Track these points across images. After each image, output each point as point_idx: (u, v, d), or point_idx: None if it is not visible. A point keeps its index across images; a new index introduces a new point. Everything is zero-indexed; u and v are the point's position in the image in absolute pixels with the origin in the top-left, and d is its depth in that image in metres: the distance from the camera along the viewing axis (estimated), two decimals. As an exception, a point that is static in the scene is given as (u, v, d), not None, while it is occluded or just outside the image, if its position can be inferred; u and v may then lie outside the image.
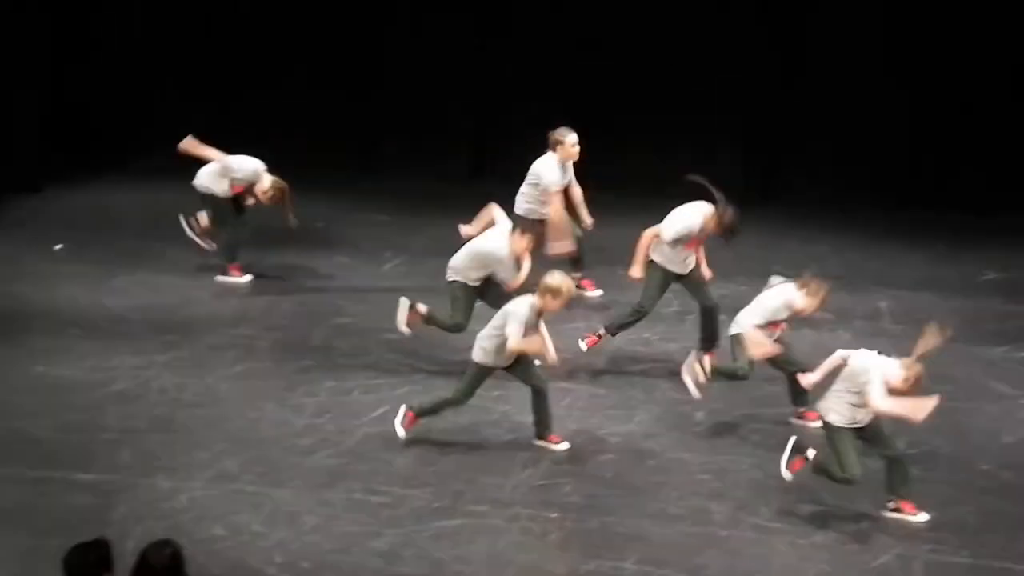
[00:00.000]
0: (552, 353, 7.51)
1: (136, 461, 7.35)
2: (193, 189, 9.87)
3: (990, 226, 11.31)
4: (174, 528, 6.41)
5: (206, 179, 9.81)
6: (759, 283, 10.14)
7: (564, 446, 7.48)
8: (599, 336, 8.62)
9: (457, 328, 8.42)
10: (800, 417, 7.73)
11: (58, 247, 10.79)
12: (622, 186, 12.28)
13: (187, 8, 13.27)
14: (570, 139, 9.32)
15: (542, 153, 12.64)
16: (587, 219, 9.60)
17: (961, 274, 10.41)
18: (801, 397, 7.67)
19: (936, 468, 7.36)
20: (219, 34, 13.30)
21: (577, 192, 9.65)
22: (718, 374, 7.77)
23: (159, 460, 7.36)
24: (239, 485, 7.12)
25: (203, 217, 9.96)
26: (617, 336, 8.88)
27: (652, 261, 8.46)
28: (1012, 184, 11.74)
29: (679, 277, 8.58)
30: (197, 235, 9.98)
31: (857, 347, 8.67)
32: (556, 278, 7.31)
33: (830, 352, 8.69)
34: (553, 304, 7.30)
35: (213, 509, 6.86)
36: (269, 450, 7.51)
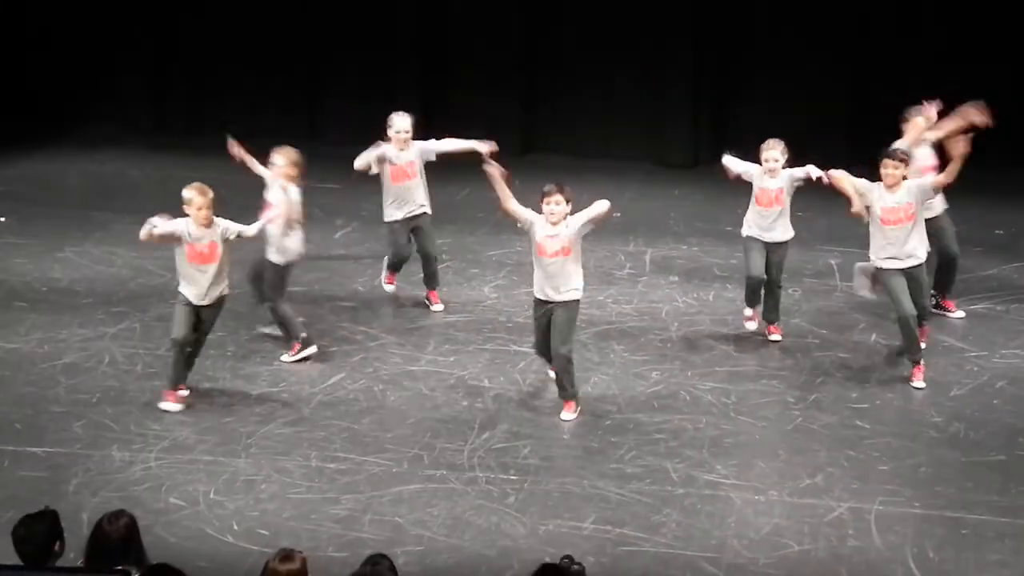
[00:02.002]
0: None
1: (88, 433, 7.28)
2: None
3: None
4: (129, 499, 6.37)
5: None
6: (710, 244, 10.31)
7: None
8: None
9: None
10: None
11: (2, 219, 10.61)
12: (574, 147, 12.35)
13: (154, 48, 13.07)
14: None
15: (488, 111, 12.70)
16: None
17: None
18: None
19: (887, 421, 7.47)
20: (186, 33, 13.11)
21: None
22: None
23: (112, 432, 7.30)
24: (194, 455, 7.08)
25: None
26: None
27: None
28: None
29: None
30: None
31: (810, 305, 8.81)
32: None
33: (785, 309, 8.83)
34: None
35: (168, 479, 6.82)
36: (224, 419, 7.47)
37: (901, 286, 7.69)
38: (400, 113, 8.79)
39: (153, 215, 7.54)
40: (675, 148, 12.34)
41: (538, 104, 12.68)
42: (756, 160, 8.36)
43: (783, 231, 8.33)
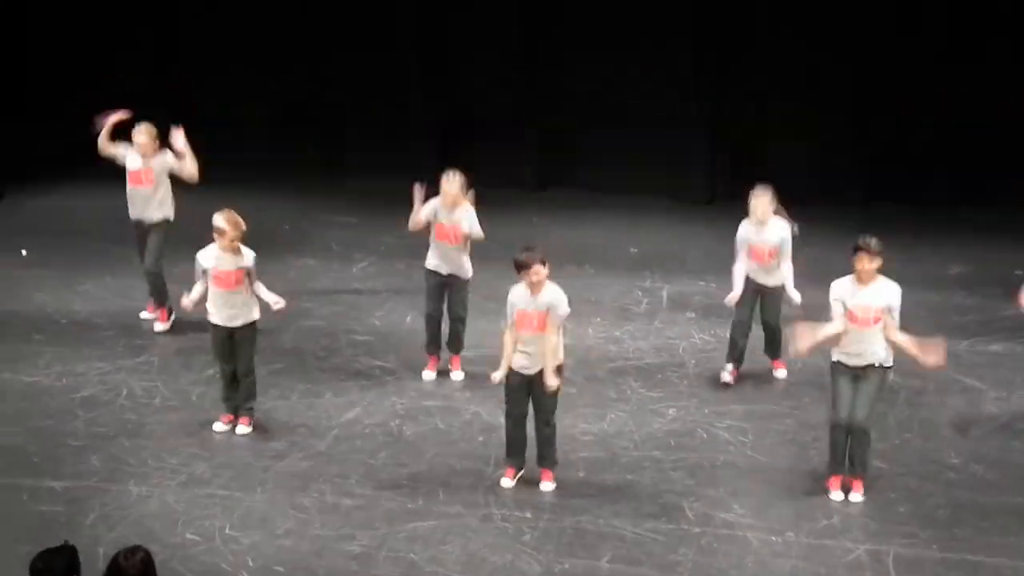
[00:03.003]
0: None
1: (106, 467, 7.31)
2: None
3: (955, 221, 11.45)
4: (145, 534, 6.39)
5: None
6: (727, 281, 10.30)
7: None
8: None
9: None
10: None
11: (24, 252, 10.70)
12: (591, 183, 12.38)
13: (151, 11, 13.20)
14: None
15: (508, 154, 12.76)
16: None
17: (926, 269, 10.52)
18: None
19: (905, 462, 7.43)
20: (185, 36, 13.26)
21: None
22: None
23: (129, 465, 7.32)
24: (211, 489, 7.09)
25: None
26: (588, 335, 8.95)
27: None
28: (976, 180, 11.89)
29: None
30: None
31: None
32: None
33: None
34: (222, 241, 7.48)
35: (185, 514, 6.83)
36: (240, 454, 7.49)
37: (843, 387, 6.90)
38: (449, 174, 8.29)
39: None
40: (692, 184, 12.37)
41: (554, 140, 12.75)
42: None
43: (776, 277, 8.25)
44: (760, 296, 8.29)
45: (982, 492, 7.10)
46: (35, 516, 6.78)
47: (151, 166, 9.12)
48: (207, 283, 7.60)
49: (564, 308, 7.04)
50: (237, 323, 7.62)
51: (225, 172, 12.71)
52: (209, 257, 7.60)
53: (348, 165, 13.08)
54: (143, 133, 9.14)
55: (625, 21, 12.28)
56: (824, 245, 10.99)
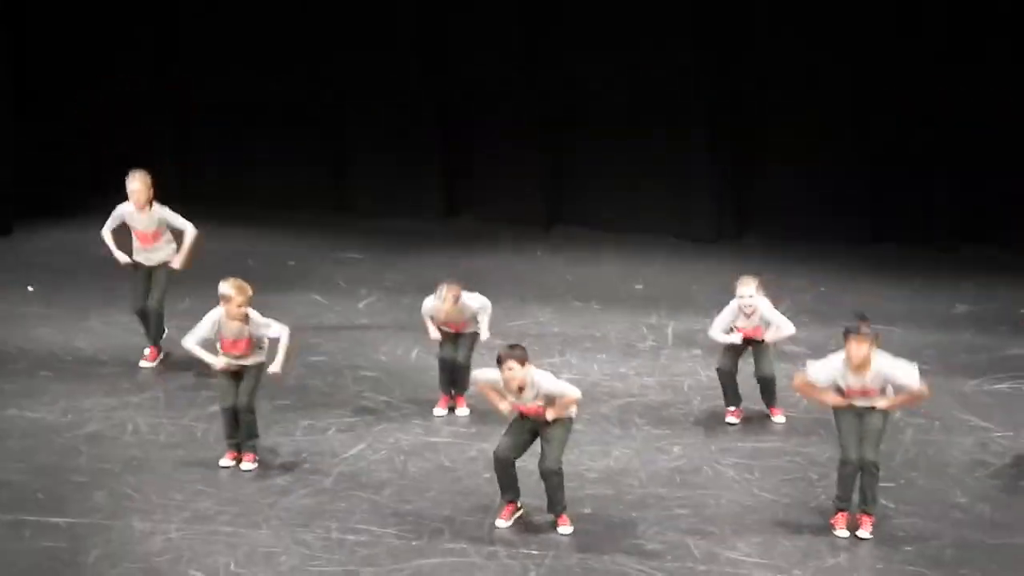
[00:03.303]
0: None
1: (110, 503, 7.31)
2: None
3: (962, 260, 11.46)
4: (150, 571, 6.38)
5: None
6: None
7: None
8: None
9: None
10: None
11: (31, 288, 10.74)
12: (598, 221, 12.42)
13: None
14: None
15: (517, 191, 12.78)
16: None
17: (934, 308, 10.52)
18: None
19: (913, 501, 7.40)
20: (186, 71, 13.32)
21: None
22: None
23: (133, 502, 7.32)
24: (215, 526, 7.08)
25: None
26: (593, 371, 8.97)
27: None
28: (982, 218, 11.90)
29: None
30: None
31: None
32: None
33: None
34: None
35: (189, 551, 6.82)
36: (245, 490, 7.49)
37: (848, 427, 6.90)
38: (441, 289, 8.34)
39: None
40: (698, 223, 12.40)
41: (562, 178, 12.78)
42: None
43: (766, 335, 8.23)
44: (751, 349, 8.26)
45: (989, 532, 7.07)
46: (38, 553, 6.78)
47: (155, 228, 9.07)
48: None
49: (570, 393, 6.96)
50: (246, 362, 7.68)
51: (231, 201, 12.83)
52: (214, 323, 7.65)
53: (355, 202, 13.11)
54: (137, 180, 9.08)
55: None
56: (830, 280, 11.05)
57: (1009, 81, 11.55)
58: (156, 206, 9.16)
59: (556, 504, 7.12)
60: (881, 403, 6.94)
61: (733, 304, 8.26)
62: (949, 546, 6.93)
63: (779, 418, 8.40)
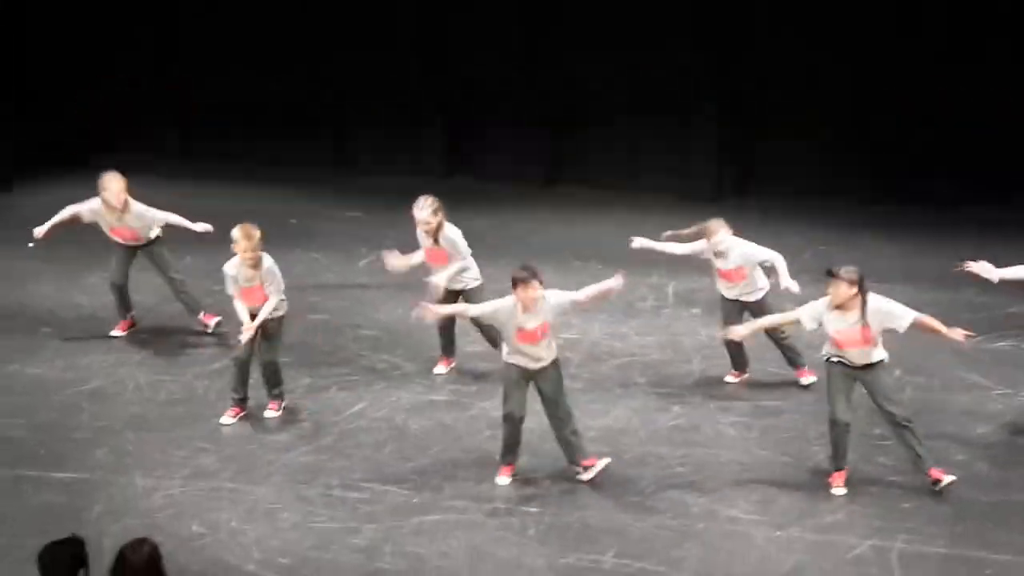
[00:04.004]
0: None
1: (112, 459, 7.33)
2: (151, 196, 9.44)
3: (963, 219, 11.42)
4: (152, 526, 6.40)
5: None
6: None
7: None
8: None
9: None
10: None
11: (32, 245, 10.71)
12: (598, 181, 12.39)
13: (151, 11, 13.23)
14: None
15: (514, 149, 12.75)
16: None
17: (935, 266, 10.49)
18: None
19: (910, 458, 7.42)
20: (186, 33, 13.27)
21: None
22: None
23: (135, 458, 7.35)
24: (217, 482, 7.11)
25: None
26: (594, 330, 8.96)
27: None
28: (985, 178, 11.87)
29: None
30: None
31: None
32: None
33: (807, 343, 8.85)
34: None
35: (191, 506, 6.85)
36: (246, 447, 7.51)
37: (837, 386, 6.92)
38: (419, 201, 8.18)
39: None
40: (698, 182, 12.37)
41: (560, 137, 12.75)
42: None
43: (754, 292, 8.11)
44: (748, 311, 8.13)
45: (986, 489, 7.09)
46: (41, 508, 6.81)
47: (133, 226, 8.77)
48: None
49: (564, 297, 7.05)
50: (266, 317, 7.70)
51: (233, 166, 12.83)
52: (233, 269, 7.68)
53: (354, 161, 13.09)
54: (115, 180, 8.69)
55: (626, 20, 12.25)
56: (828, 239, 11.03)
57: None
58: (133, 203, 8.81)
59: (577, 457, 7.10)
60: (906, 323, 6.80)
61: (706, 246, 8.09)
62: (947, 502, 6.95)
63: (806, 379, 8.18)
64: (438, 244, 8.19)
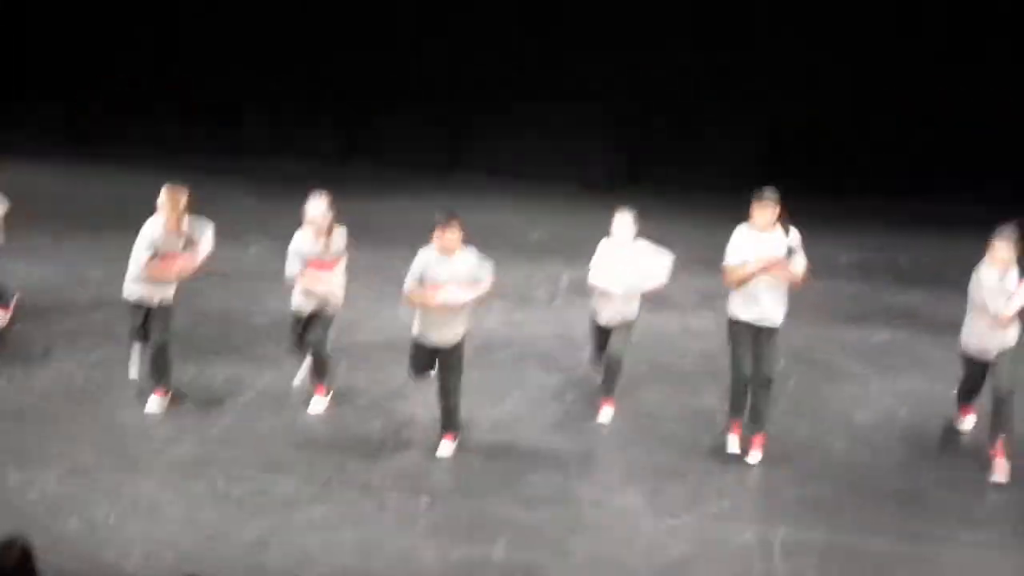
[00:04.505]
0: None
1: (-16, 453, 7.06)
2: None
3: (844, 209, 11.66)
4: (26, 524, 6.10)
5: None
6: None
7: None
8: None
9: None
10: None
11: None
12: (499, 170, 12.36)
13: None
14: None
15: (409, 133, 12.64)
16: None
17: (817, 257, 10.67)
18: None
19: (793, 447, 7.53)
20: (82, 12, 12.88)
21: None
22: None
23: (9, 452, 7.06)
24: (96, 476, 6.88)
25: None
26: (489, 319, 8.93)
27: None
28: (865, 168, 12.14)
29: None
30: None
31: (721, 329, 8.81)
32: None
33: (696, 333, 8.95)
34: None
35: (68, 502, 6.62)
36: (128, 440, 7.28)
37: (742, 343, 7.11)
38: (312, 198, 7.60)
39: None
40: (592, 169, 12.43)
41: (462, 125, 12.69)
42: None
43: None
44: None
45: (865, 477, 7.23)
46: (-93, 505, 6.51)
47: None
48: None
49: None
50: (155, 301, 7.48)
51: (121, 150, 12.47)
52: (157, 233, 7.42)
53: (247, 147, 12.85)
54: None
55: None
56: (720, 227, 11.11)
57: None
58: None
59: (450, 426, 7.21)
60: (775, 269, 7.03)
61: (605, 243, 7.86)
62: (828, 491, 7.08)
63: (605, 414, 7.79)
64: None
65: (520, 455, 7.33)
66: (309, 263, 7.48)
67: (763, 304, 7.10)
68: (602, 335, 7.73)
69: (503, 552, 6.39)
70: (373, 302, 9.35)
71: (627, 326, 7.61)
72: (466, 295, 7.02)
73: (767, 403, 7.25)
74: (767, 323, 7.13)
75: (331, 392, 7.76)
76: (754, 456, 7.26)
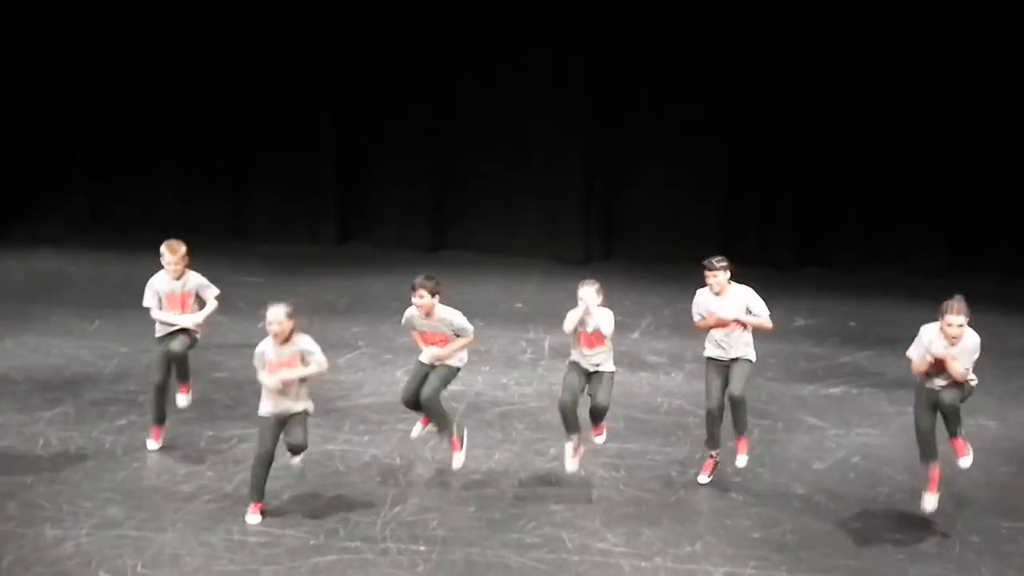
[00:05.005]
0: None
1: (22, 512, 7.11)
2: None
3: (800, 279, 11.91)
4: (61, 574, 6.24)
5: None
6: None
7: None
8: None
9: None
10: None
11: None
12: (473, 243, 12.55)
13: (71, 75, 12.99)
14: None
15: (403, 217, 12.81)
16: None
17: (776, 321, 10.86)
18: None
19: (757, 493, 7.65)
20: (103, 105, 13.07)
21: None
22: None
23: (45, 510, 7.14)
24: (123, 531, 6.95)
25: None
26: (477, 381, 9.06)
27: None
28: (817, 240, 12.39)
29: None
30: None
31: (689, 387, 8.99)
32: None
33: (667, 391, 9.12)
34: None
35: (98, 554, 6.68)
36: (152, 497, 7.36)
37: (712, 377, 7.49)
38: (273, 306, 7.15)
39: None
40: (569, 247, 12.64)
41: (446, 206, 12.89)
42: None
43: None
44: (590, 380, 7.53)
45: (824, 519, 7.34)
46: (-47, 560, 6.57)
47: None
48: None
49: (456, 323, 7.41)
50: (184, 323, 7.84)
51: (143, 234, 12.61)
52: (161, 283, 7.79)
53: (255, 231, 13.02)
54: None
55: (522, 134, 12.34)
56: (685, 297, 11.32)
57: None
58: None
59: (442, 425, 7.44)
60: (744, 319, 7.48)
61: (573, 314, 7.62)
62: (790, 532, 7.19)
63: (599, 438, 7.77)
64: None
65: (509, 504, 7.43)
66: (267, 365, 7.15)
67: (730, 348, 7.53)
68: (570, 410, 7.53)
69: (495, 593, 6.47)
70: (371, 368, 9.51)
71: (605, 377, 7.50)
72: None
73: (743, 414, 7.54)
74: (736, 355, 7.52)
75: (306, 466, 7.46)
76: (741, 460, 7.61)
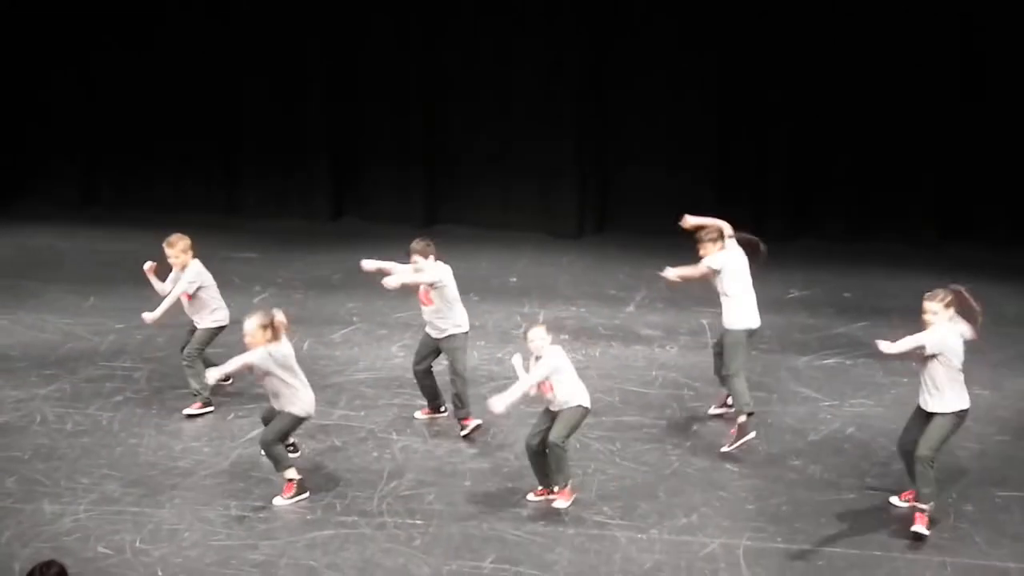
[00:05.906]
0: None
1: (20, 488, 7.13)
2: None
3: (793, 250, 11.90)
4: (59, 549, 6.25)
5: None
6: (596, 306, 10.55)
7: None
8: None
9: None
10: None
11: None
12: (466, 218, 12.53)
13: (64, 58, 12.95)
14: None
15: (399, 193, 12.79)
16: None
17: (770, 293, 10.90)
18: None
19: (753, 465, 7.69)
20: (95, 85, 13.01)
21: None
22: None
23: (43, 486, 7.15)
24: (121, 506, 6.97)
25: None
26: (473, 356, 9.07)
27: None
28: (810, 211, 12.38)
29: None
30: None
31: (684, 360, 9.02)
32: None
33: (662, 364, 9.14)
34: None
35: (96, 530, 6.71)
36: (149, 473, 7.38)
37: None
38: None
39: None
40: (563, 221, 12.62)
41: (439, 181, 12.86)
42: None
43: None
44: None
45: (819, 490, 7.38)
46: (-49, 537, 6.57)
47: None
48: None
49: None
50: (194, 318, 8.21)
51: (135, 212, 12.61)
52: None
53: (249, 207, 12.99)
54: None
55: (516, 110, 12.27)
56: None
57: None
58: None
59: (460, 407, 7.69)
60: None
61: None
62: (785, 503, 7.22)
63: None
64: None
65: (505, 477, 7.45)
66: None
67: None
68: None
69: (492, 566, 6.49)
70: (366, 343, 9.50)
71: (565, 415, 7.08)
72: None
73: (733, 391, 7.80)
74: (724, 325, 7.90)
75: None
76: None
